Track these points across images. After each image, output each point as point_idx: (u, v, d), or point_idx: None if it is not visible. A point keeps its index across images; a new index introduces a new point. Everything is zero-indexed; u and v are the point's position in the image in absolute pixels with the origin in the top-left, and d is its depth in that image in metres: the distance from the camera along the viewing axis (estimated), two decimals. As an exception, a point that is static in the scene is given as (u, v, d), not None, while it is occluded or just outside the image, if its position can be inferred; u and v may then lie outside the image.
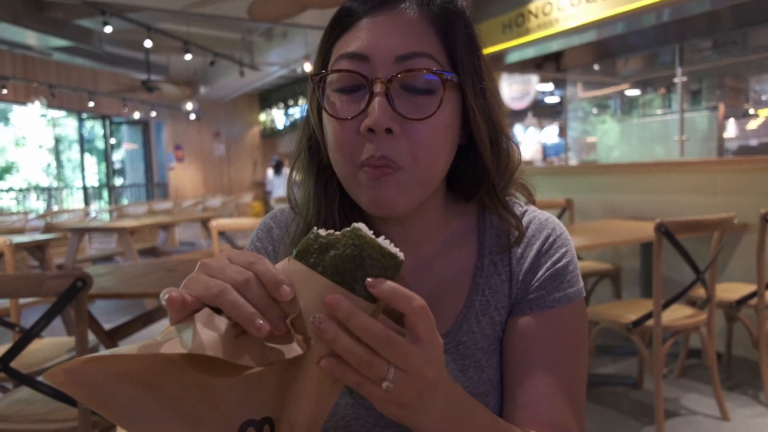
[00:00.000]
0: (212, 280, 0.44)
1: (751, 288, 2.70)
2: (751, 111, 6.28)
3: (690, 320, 2.37)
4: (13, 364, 1.56)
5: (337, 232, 0.46)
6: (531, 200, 0.75)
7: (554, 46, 5.49)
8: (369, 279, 0.43)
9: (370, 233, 0.45)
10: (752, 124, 6.35)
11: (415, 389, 0.45)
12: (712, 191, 3.34)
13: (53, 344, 2.22)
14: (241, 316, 0.42)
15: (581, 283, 0.70)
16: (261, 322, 0.41)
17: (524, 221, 0.72)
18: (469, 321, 0.68)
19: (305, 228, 0.68)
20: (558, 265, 0.68)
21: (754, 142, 5.91)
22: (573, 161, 7.25)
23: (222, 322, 0.42)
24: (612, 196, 3.94)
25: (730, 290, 2.79)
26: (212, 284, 0.43)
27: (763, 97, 6.57)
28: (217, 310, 0.43)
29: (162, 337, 0.43)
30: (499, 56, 5.83)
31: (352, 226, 0.46)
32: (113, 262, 6.58)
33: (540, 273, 0.68)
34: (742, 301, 2.65)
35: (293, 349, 0.43)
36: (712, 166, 3.46)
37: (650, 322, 2.29)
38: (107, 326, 2.68)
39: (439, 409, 0.49)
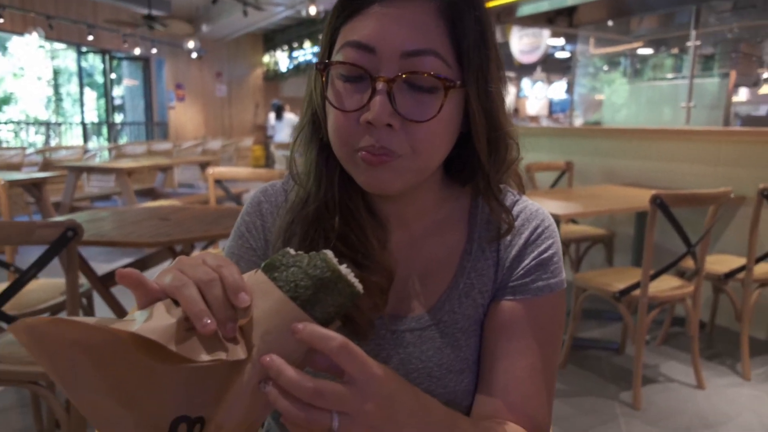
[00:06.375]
0: (179, 275, 0.46)
1: (741, 261, 2.72)
2: (765, 76, 6.14)
3: (677, 292, 2.40)
4: (7, 305, 1.60)
5: (306, 254, 0.49)
6: (521, 190, 0.76)
7: (569, 1, 5.30)
8: (295, 324, 0.45)
9: (335, 260, 0.48)
10: (765, 89, 6.21)
11: (363, 427, 0.46)
12: (714, 161, 3.30)
13: (48, 286, 2.26)
14: (192, 311, 0.44)
15: (563, 275, 0.72)
16: (208, 320, 0.44)
17: (515, 211, 0.73)
18: (452, 301, 0.70)
19: (305, 197, 0.69)
20: (544, 255, 0.70)
21: (764, 111, 5.80)
22: (578, 119, 7.14)
23: (177, 313, 0.44)
24: (612, 161, 3.90)
25: (719, 262, 2.81)
26: (177, 278, 0.46)
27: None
28: (179, 304, 0.46)
29: (125, 317, 0.45)
30: (511, 8, 5.64)
31: (320, 251, 0.49)
32: (111, 201, 6.60)
33: (526, 261, 0.70)
34: (731, 275, 2.67)
35: (236, 353, 0.45)
36: (715, 136, 3.41)
37: (637, 292, 2.32)
38: (104, 267, 2.72)
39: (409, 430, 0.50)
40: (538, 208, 0.74)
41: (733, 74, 5.29)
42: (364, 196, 0.69)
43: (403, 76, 0.58)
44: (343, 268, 0.48)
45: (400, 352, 0.68)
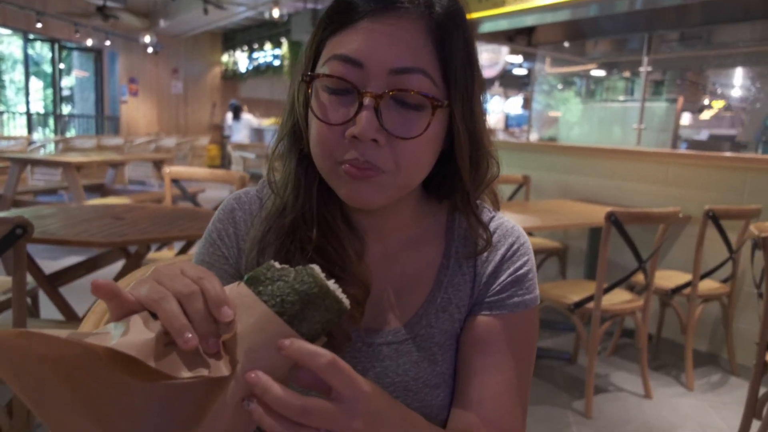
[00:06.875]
0: (157, 286, 0.44)
1: (686, 277, 2.85)
2: (707, 102, 6.51)
3: (628, 305, 2.49)
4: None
5: (292, 268, 0.47)
6: (496, 206, 0.77)
7: (528, 21, 5.46)
8: (282, 341, 0.44)
9: (322, 275, 0.47)
10: (706, 115, 6.58)
11: None
12: (663, 182, 3.46)
13: (-12, 284, 2.13)
14: (172, 326, 0.42)
15: (537, 291, 0.73)
16: (189, 335, 0.42)
17: (491, 227, 0.74)
18: (429, 316, 0.70)
19: (281, 206, 0.68)
20: (519, 272, 0.71)
21: (705, 136, 6.14)
22: (534, 134, 7.35)
23: (155, 327, 0.42)
24: (568, 177, 4.03)
25: (666, 278, 2.94)
26: (155, 290, 0.44)
27: (719, 90, 6.79)
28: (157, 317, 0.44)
29: (98, 330, 0.43)
30: (473, 24, 5.75)
31: (308, 265, 0.47)
32: (57, 196, 6.30)
33: (502, 277, 0.71)
34: (677, 290, 2.80)
35: (219, 369, 0.43)
36: (664, 158, 3.58)
37: (591, 305, 2.40)
38: (48, 264, 2.58)
39: None
40: (513, 225, 0.75)
41: (681, 99, 5.57)
42: (342, 208, 0.69)
43: (391, 93, 0.58)
44: (331, 284, 0.47)
45: (376, 365, 0.68)
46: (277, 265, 0.47)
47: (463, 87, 0.62)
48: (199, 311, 0.43)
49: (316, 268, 0.47)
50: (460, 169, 0.66)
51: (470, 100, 0.63)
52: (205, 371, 0.42)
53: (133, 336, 0.41)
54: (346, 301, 0.47)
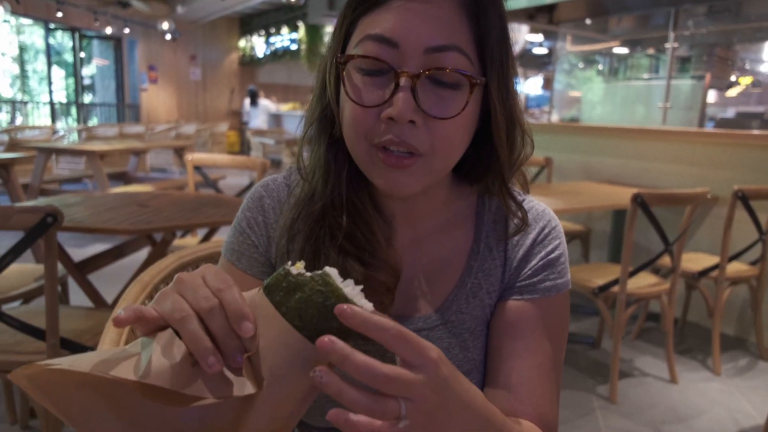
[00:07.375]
0: (179, 303, 0.44)
1: (713, 260, 2.80)
2: (734, 78, 6.31)
3: (653, 289, 2.45)
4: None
5: (308, 274, 0.45)
6: (526, 189, 0.75)
7: (548, -3, 5.34)
8: (340, 306, 0.41)
9: (338, 281, 0.44)
10: (733, 92, 6.39)
11: (422, 414, 0.44)
12: (689, 162, 3.38)
13: (20, 271, 2.18)
14: (195, 349, 0.42)
15: (569, 276, 0.72)
16: (213, 359, 0.42)
17: None
18: (459, 301, 0.70)
19: (310, 192, 0.67)
20: (551, 256, 0.70)
21: (731, 113, 5.96)
22: (555, 116, 7.23)
23: (180, 349, 0.42)
24: (591, 158, 3.96)
25: (693, 260, 2.89)
26: (177, 308, 0.44)
27: (748, 66, 6.59)
28: None
29: (130, 346, 0.44)
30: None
31: (323, 270, 0.45)
32: (82, 184, 6.41)
33: (533, 261, 0.70)
34: (704, 273, 2.75)
35: (246, 387, 0.43)
36: (691, 137, 3.50)
37: (616, 289, 2.37)
38: (76, 251, 2.64)
39: (458, 419, 0.48)
40: (544, 209, 0.74)
41: (708, 77, 5.41)
42: (371, 193, 0.68)
43: (427, 72, 0.57)
44: (349, 290, 0.44)
45: None
46: (293, 270, 0.45)
47: (499, 64, 0.61)
48: (222, 327, 0.43)
49: (333, 273, 0.44)
50: (497, 148, 0.65)
51: (506, 77, 0.62)
52: (232, 391, 0.42)
53: (158, 363, 0.41)
54: (369, 305, 0.44)
